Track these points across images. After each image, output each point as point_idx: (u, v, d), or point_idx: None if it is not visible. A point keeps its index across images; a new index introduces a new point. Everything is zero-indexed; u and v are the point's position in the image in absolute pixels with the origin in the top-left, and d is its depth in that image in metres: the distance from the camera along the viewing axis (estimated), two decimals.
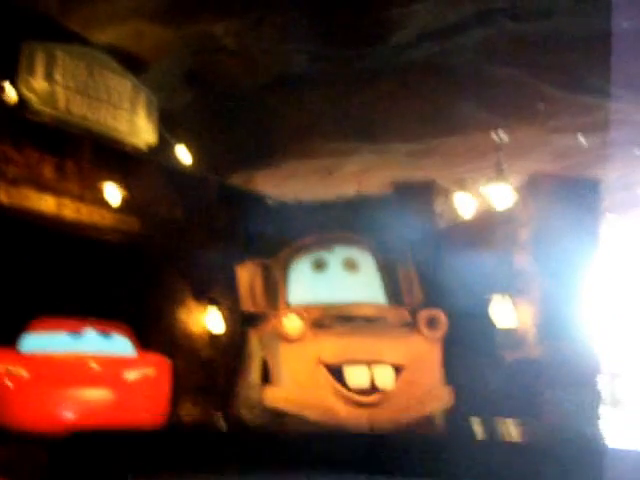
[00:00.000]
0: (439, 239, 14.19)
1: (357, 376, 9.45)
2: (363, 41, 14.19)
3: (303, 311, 9.81)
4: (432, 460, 1.85)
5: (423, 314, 10.10)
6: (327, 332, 9.88)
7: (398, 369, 9.66)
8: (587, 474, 1.82)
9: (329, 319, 10.10)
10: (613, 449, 2.05)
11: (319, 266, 11.25)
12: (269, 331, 10.31)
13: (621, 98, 14.51)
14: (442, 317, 10.06)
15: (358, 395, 9.40)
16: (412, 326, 10.13)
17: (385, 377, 9.51)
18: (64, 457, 1.96)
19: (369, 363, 9.48)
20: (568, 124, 16.49)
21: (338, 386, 9.40)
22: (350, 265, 11.25)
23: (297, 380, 9.60)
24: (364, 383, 9.41)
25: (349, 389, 9.41)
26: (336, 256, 11.32)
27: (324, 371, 9.50)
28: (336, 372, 9.48)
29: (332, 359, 9.55)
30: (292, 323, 9.68)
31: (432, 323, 10.06)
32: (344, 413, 9.33)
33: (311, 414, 9.33)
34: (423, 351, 9.95)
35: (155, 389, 11.00)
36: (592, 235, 11.52)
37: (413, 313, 10.55)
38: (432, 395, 9.85)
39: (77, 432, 1.95)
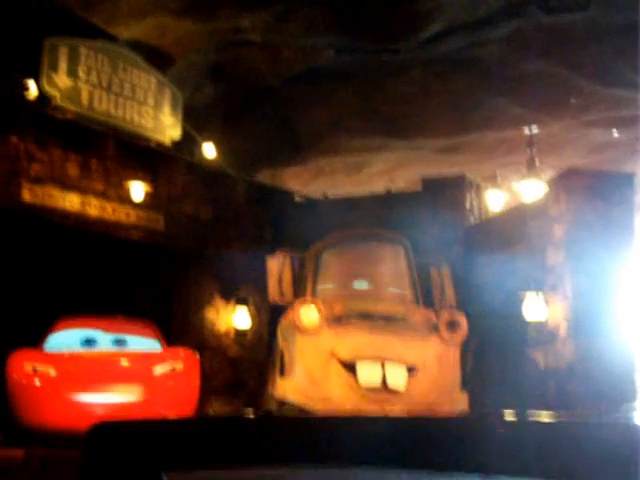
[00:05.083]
0: (470, 235, 14.01)
1: (369, 373, 9.28)
2: (391, 35, 14.02)
3: (321, 304, 9.65)
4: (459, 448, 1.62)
5: (444, 316, 9.87)
6: (344, 328, 9.72)
7: (412, 370, 9.46)
8: (623, 455, 1.60)
9: (348, 315, 9.92)
10: None
11: None
12: (288, 322, 10.17)
13: None
14: (463, 320, 9.82)
15: (369, 392, 9.24)
16: (434, 328, 9.91)
17: (397, 377, 9.31)
18: (91, 450, 1.77)
19: (382, 361, 9.29)
20: (601, 118, 16.27)
21: (351, 379, 9.25)
22: None
23: (309, 372, 9.46)
24: (375, 381, 9.24)
25: (360, 385, 9.27)
26: None
27: (337, 365, 9.36)
28: (349, 367, 9.33)
29: (345, 356, 9.42)
30: (309, 315, 9.55)
31: (452, 326, 9.82)
32: (354, 407, 9.15)
33: (320, 407, 9.14)
34: (440, 353, 9.73)
35: (184, 383, 10.97)
36: (626, 230, 11.29)
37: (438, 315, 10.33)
38: (446, 398, 9.61)
39: (103, 423, 1.79)
